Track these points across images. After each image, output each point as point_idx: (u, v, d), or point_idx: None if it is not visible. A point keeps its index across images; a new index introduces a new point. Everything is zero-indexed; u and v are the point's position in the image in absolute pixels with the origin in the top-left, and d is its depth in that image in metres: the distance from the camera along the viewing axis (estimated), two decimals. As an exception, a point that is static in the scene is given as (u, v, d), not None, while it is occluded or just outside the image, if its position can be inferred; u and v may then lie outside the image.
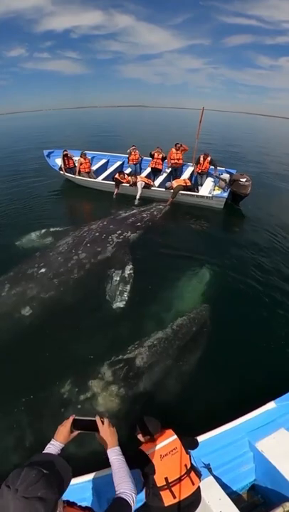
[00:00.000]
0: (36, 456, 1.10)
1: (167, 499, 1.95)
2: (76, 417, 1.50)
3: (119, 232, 6.76)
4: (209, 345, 4.20)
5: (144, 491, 2.11)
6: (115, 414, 3.32)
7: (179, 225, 8.21)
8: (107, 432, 1.47)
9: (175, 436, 2.12)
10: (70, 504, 1.21)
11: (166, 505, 1.95)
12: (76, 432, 1.50)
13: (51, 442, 1.46)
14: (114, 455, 1.43)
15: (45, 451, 1.41)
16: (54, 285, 5.26)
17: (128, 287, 5.29)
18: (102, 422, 1.49)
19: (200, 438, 2.37)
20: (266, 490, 2.48)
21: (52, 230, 7.19)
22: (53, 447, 1.43)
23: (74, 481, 2.22)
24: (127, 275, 5.52)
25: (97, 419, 1.50)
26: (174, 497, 1.94)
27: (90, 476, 2.27)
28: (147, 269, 5.87)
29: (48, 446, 1.45)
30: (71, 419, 1.49)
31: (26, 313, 4.85)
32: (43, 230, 7.18)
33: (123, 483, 1.33)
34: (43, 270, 5.49)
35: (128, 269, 5.63)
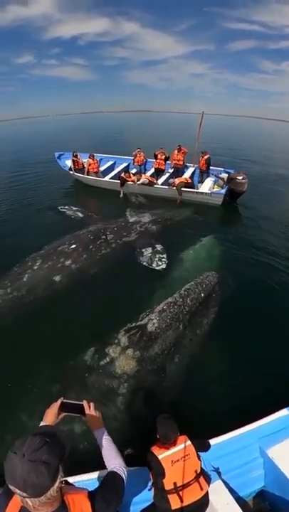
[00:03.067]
0: (38, 428, 1.17)
1: (174, 503, 1.86)
2: (64, 400, 1.49)
3: (142, 224, 7.56)
4: (221, 342, 4.18)
5: (152, 490, 2.02)
6: (133, 376, 3.47)
7: (185, 219, 8.62)
8: (93, 415, 1.49)
9: (189, 443, 1.99)
10: (67, 483, 1.26)
11: (172, 508, 1.86)
12: (63, 415, 1.48)
13: (40, 425, 1.43)
14: (102, 436, 1.47)
15: None
16: (83, 258, 5.87)
17: (165, 255, 6.13)
18: (89, 406, 1.51)
19: (211, 441, 2.24)
20: (274, 497, 2.33)
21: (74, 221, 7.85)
22: None
23: (81, 477, 2.15)
24: (160, 249, 6.37)
25: (85, 403, 1.51)
26: (182, 501, 1.86)
27: (95, 475, 2.18)
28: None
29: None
30: (59, 402, 1.48)
31: (57, 282, 5.36)
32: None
33: (113, 460, 1.39)
34: (73, 246, 6.08)
35: (159, 246, 6.48)
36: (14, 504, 1.09)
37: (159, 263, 5.94)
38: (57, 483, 0.99)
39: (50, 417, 1.45)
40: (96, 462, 2.07)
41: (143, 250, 6.35)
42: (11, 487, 0.96)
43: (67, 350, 3.89)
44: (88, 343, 3.89)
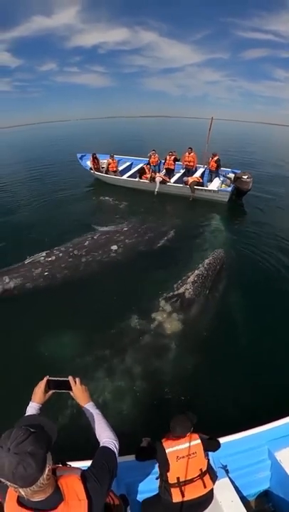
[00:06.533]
0: (23, 418, 1.09)
1: (176, 496, 1.79)
2: (50, 378, 1.41)
3: (168, 215, 8.79)
4: (233, 306, 4.70)
5: (158, 481, 1.94)
6: (180, 334, 3.91)
7: (198, 212, 9.21)
8: (80, 389, 1.40)
9: (198, 441, 1.86)
10: (63, 463, 1.24)
11: (174, 501, 1.80)
12: (51, 392, 1.41)
13: (29, 404, 1.38)
14: (91, 410, 1.38)
15: (27, 413, 1.35)
16: (134, 237, 6.70)
17: (170, 240, 6.99)
18: (75, 382, 1.41)
19: (222, 439, 2.09)
20: (278, 499, 2.18)
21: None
22: (31, 409, 1.36)
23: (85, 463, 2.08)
24: (171, 235, 7.16)
25: (70, 378, 1.41)
26: (183, 496, 1.79)
27: None
28: (179, 236, 7.29)
29: (27, 408, 1.37)
30: (45, 380, 1.40)
31: (113, 250, 6.03)
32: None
33: (104, 433, 1.31)
34: (125, 228, 7.01)
35: (172, 232, 7.31)
36: (12, 492, 1.04)
37: (163, 241, 6.97)
38: (46, 472, 0.94)
39: (39, 395, 1.38)
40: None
41: (169, 235, 7.24)
42: (2, 479, 0.91)
43: (118, 314, 4.22)
44: (135, 309, 4.25)
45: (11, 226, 7.92)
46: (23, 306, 4.66)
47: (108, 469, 1.18)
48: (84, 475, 1.12)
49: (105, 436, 1.30)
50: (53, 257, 5.52)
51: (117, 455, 1.25)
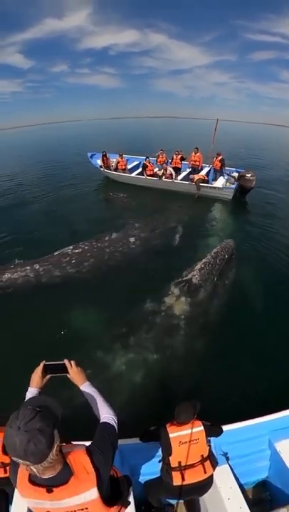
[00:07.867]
0: (27, 401, 1.12)
1: (176, 480, 1.83)
2: (46, 363, 1.41)
3: (176, 212, 8.98)
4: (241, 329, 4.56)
5: (160, 464, 1.97)
6: (187, 316, 4.12)
7: (204, 208, 9.59)
8: (76, 371, 1.42)
9: (201, 428, 1.87)
10: (67, 442, 1.25)
11: (174, 484, 1.83)
12: (48, 376, 1.41)
13: (28, 390, 1.39)
14: (88, 390, 1.40)
15: (26, 398, 1.33)
16: (147, 230, 7.20)
17: (179, 234, 7.35)
18: (71, 364, 1.42)
19: (225, 427, 2.11)
20: (275, 489, 2.20)
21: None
22: (30, 394, 1.37)
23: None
24: (180, 229, 7.54)
25: (66, 361, 1.42)
26: (183, 480, 1.82)
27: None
28: (188, 230, 7.61)
29: (26, 394, 1.38)
30: (41, 365, 1.40)
31: (131, 243, 6.57)
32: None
33: (102, 410, 1.34)
34: (137, 224, 7.44)
35: (180, 226, 7.68)
36: (23, 472, 1.08)
37: (176, 239, 7.31)
38: (55, 448, 0.98)
39: (36, 380, 1.39)
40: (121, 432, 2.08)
41: (178, 229, 7.64)
42: (14, 459, 0.94)
43: (134, 297, 4.54)
44: (149, 293, 4.53)
45: (31, 222, 8.31)
46: (52, 290, 5.13)
47: (110, 442, 1.22)
48: (89, 449, 1.17)
49: (104, 412, 1.34)
50: (80, 249, 6.08)
51: (116, 429, 1.29)
